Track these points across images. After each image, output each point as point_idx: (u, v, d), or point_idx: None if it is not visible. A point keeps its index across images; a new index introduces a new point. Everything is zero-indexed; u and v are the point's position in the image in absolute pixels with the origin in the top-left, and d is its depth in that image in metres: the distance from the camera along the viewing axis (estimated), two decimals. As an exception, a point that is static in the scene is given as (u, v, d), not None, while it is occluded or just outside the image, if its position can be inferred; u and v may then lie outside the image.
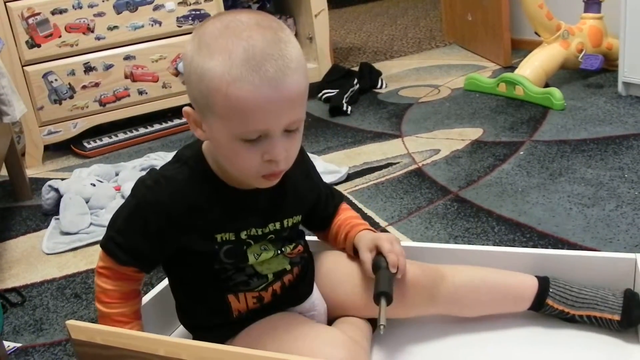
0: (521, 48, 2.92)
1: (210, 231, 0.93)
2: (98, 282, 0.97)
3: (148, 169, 2.06)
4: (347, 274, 1.07)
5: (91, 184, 1.95)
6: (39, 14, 2.38)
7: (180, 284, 1.01)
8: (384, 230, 1.55)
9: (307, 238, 1.10)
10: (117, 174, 2.13)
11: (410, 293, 1.03)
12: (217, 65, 0.81)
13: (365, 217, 1.60)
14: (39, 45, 2.40)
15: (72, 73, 2.47)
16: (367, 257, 1.02)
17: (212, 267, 0.96)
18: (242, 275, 0.97)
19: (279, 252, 1.00)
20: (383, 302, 0.95)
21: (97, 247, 1.68)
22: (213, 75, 0.81)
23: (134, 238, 0.94)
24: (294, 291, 1.02)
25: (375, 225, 1.57)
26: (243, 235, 0.95)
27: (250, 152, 0.85)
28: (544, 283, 1.08)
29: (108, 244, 0.97)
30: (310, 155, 1.11)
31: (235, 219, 0.95)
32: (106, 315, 0.97)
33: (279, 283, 1.00)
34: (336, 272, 1.08)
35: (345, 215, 1.11)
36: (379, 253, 1.02)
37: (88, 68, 2.50)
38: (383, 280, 0.98)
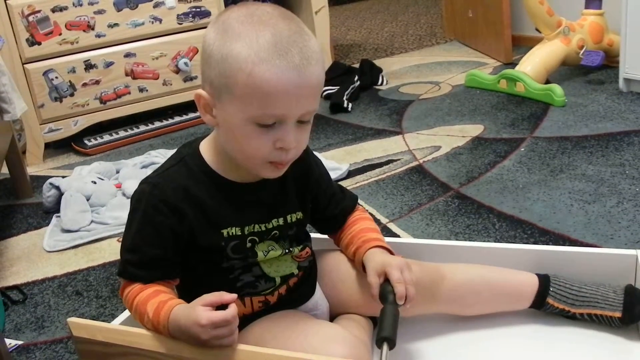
0: (522, 44, 2.92)
1: (216, 226, 0.93)
2: (135, 314, 0.93)
3: (149, 167, 2.07)
4: (349, 273, 1.07)
5: (92, 181, 1.95)
6: (39, 11, 2.38)
7: (186, 284, 0.99)
8: (384, 228, 1.55)
9: (312, 236, 1.09)
10: (117, 172, 2.13)
11: None
12: (244, 46, 0.82)
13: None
14: (39, 43, 2.40)
15: (73, 71, 2.47)
16: (374, 281, 0.97)
17: (220, 265, 0.95)
18: (249, 275, 0.97)
19: (287, 251, 0.99)
20: (385, 347, 0.91)
21: (99, 245, 1.71)
22: (238, 56, 0.82)
23: (150, 250, 0.92)
24: (297, 292, 1.02)
25: (376, 222, 1.56)
26: (247, 230, 0.95)
27: (262, 137, 0.86)
28: (544, 281, 1.07)
29: (126, 270, 0.93)
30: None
31: (239, 213, 0.94)
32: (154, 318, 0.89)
33: (284, 286, 1.00)
34: (338, 271, 1.08)
35: (360, 227, 1.07)
36: (387, 279, 0.96)
37: (88, 66, 2.49)
38: (387, 322, 0.92)
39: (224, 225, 0.93)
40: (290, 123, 0.86)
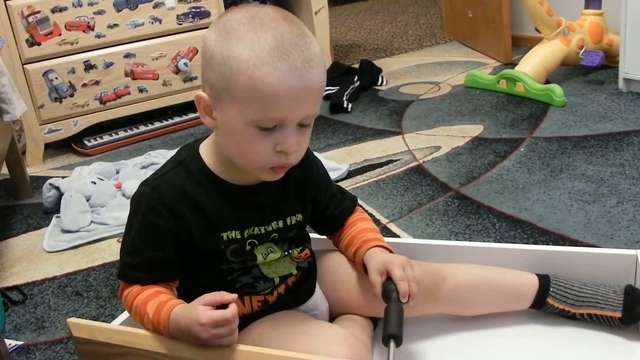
0: (521, 44, 2.92)
1: (216, 229, 0.93)
2: (135, 316, 0.93)
3: (149, 167, 2.07)
4: (349, 273, 1.07)
5: (92, 182, 1.95)
6: (39, 12, 2.38)
7: (186, 285, 0.99)
8: (384, 228, 1.55)
9: (311, 236, 1.09)
10: (117, 172, 2.13)
11: None
12: (245, 49, 0.81)
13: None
14: (39, 44, 2.40)
15: (73, 71, 2.47)
16: (376, 280, 0.97)
17: (220, 267, 0.95)
18: (248, 277, 0.96)
19: (286, 253, 0.99)
20: (392, 345, 0.90)
21: (98, 245, 1.71)
22: (239, 58, 0.81)
23: (149, 252, 0.91)
24: (297, 292, 1.02)
25: (376, 222, 1.56)
26: (247, 233, 0.94)
27: (263, 140, 0.85)
28: (544, 281, 1.07)
29: (126, 272, 0.93)
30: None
31: (238, 216, 0.94)
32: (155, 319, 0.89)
33: (283, 286, 1.00)
34: (338, 271, 1.08)
35: (359, 227, 1.07)
36: (389, 278, 0.96)
37: (88, 66, 2.49)
38: (392, 319, 0.92)
39: (223, 228, 0.93)
40: (291, 126, 0.85)
